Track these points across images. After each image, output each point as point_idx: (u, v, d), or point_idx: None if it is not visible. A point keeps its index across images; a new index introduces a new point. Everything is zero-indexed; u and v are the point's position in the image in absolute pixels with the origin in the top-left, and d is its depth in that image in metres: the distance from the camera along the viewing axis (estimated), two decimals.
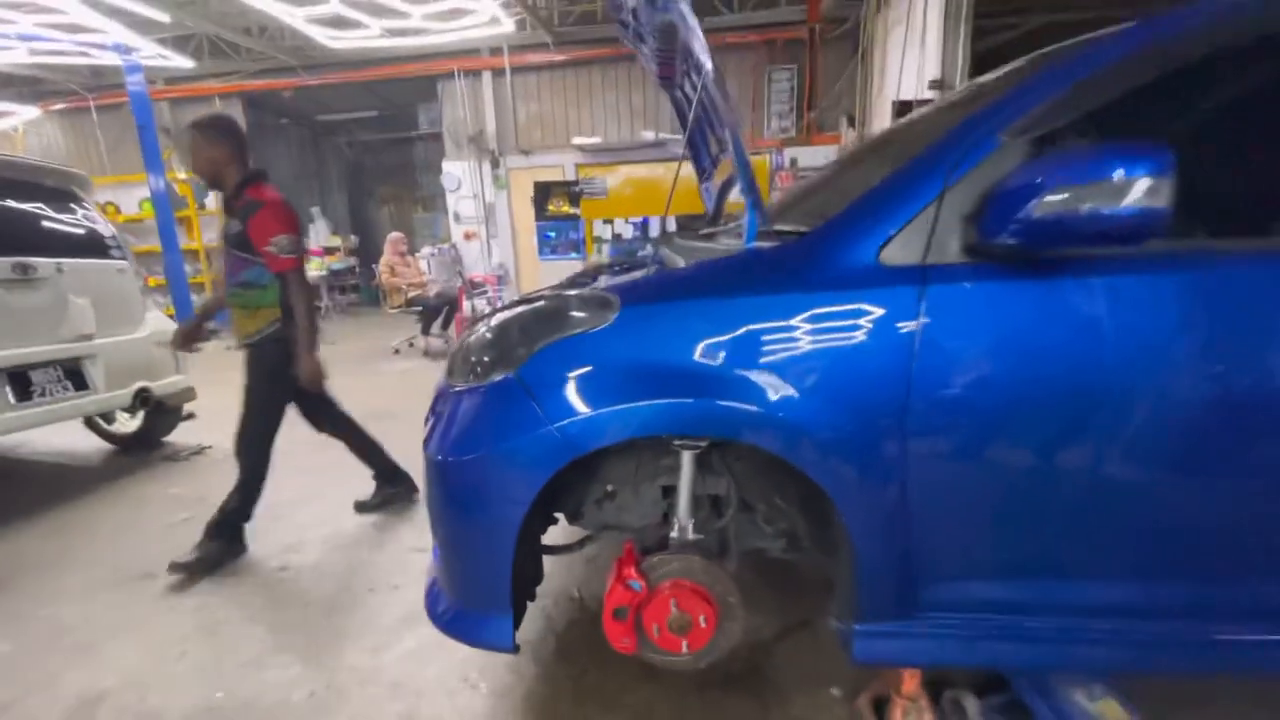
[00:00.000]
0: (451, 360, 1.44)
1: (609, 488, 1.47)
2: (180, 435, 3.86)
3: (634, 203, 6.07)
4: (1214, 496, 1.09)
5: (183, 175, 9.09)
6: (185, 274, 7.93)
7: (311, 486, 3.03)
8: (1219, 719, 1.44)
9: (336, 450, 3.56)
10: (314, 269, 9.70)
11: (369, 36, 7.55)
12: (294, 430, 2.65)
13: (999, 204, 1.03)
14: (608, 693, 1.61)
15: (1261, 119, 1.21)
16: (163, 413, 3.65)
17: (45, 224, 3.03)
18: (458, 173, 9.57)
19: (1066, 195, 0.94)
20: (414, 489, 2.83)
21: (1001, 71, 1.52)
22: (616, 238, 7.77)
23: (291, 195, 10.35)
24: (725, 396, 1.11)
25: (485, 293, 5.95)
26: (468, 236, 9.78)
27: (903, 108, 4.80)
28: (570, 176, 9.15)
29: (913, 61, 5.51)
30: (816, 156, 8.41)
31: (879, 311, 1.09)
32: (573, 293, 1.30)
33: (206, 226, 9.79)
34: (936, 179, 1.11)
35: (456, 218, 9.77)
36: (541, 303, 1.28)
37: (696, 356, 1.13)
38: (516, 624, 1.27)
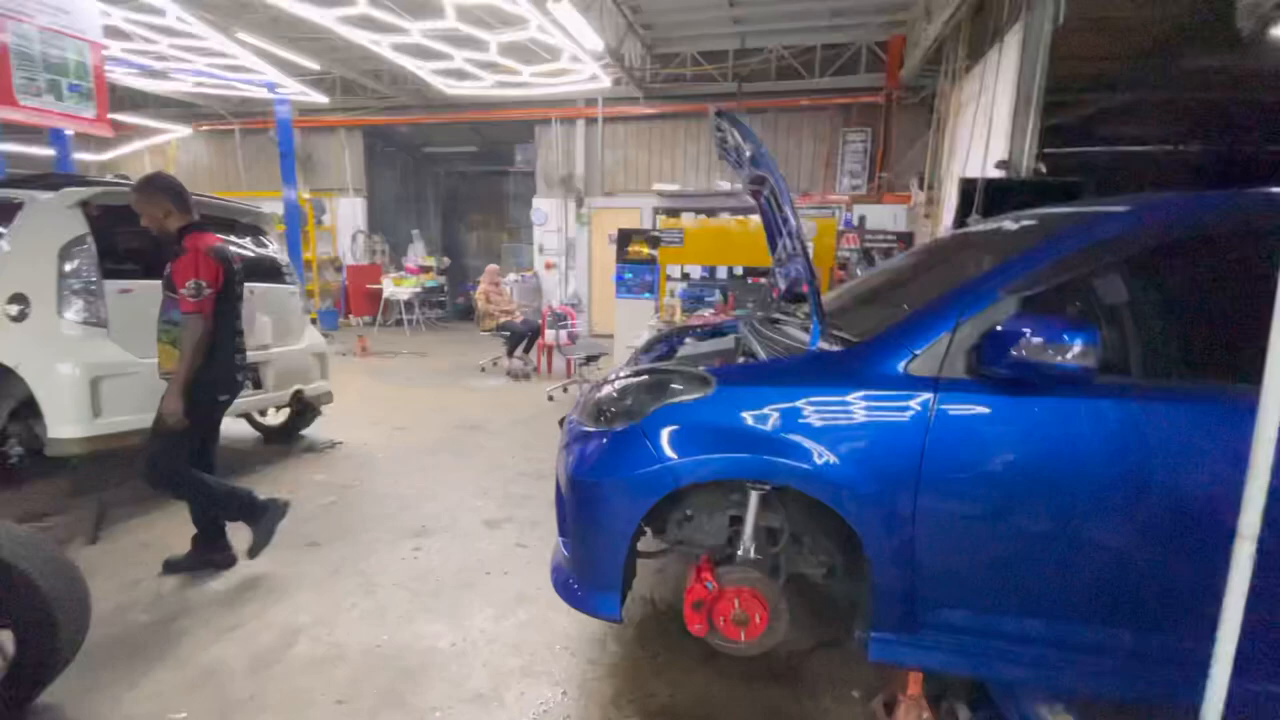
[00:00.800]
0: (586, 407, 1.98)
1: (688, 512, 1.96)
2: (313, 430, 4.60)
3: (705, 253, 6.62)
4: (1139, 567, 1.48)
5: (307, 195, 10.27)
6: (304, 280, 9.01)
7: (427, 484, 3.65)
8: None
9: (449, 454, 4.23)
10: (410, 285, 10.70)
11: (481, 86, 8.48)
12: (408, 436, 3.26)
13: (992, 344, 1.48)
14: (675, 671, 2.08)
15: (1205, 299, 1.61)
16: (306, 411, 4.39)
17: (246, 254, 3.82)
18: (546, 208, 10.43)
19: (1033, 346, 1.39)
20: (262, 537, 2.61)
21: (1032, 220, 1.96)
22: (685, 277, 8.36)
23: (392, 216, 11.67)
24: (789, 456, 1.59)
25: (566, 324, 6.59)
26: (548, 266, 10.60)
27: (967, 185, 5.14)
28: (648, 217, 9.83)
29: (981, 140, 5.85)
30: (885, 215, 8.77)
31: (904, 407, 1.55)
32: (681, 369, 1.81)
33: (319, 240, 10.99)
34: (951, 317, 1.58)
35: (540, 249, 10.61)
36: (659, 375, 1.81)
37: (769, 426, 1.62)
38: (622, 601, 1.77)
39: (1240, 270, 1.55)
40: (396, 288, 10.67)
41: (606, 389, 2.00)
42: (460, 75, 8.19)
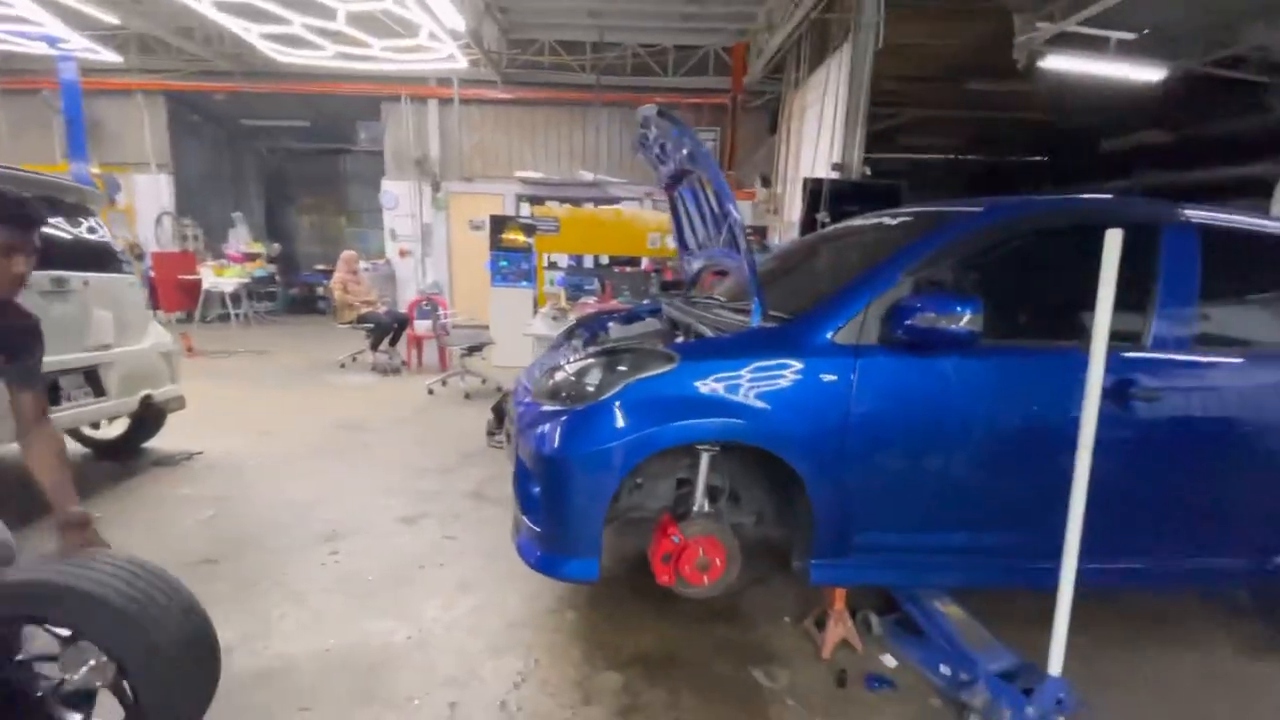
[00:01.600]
0: (544, 390, 2.08)
1: (639, 481, 2.15)
2: (158, 442, 4.02)
3: (580, 241, 6.77)
4: (1013, 485, 1.97)
5: (96, 170, 8.63)
6: None
7: (320, 489, 3.41)
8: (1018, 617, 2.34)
9: (333, 457, 3.99)
10: (235, 275, 9.48)
11: (321, 57, 7.73)
12: (278, 441, 3.06)
13: (896, 317, 1.85)
14: (632, 626, 2.26)
15: (1044, 277, 2.14)
16: (150, 420, 3.83)
17: (69, 239, 3.24)
18: (397, 192, 9.82)
19: (928, 317, 1.78)
20: None
21: (908, 217, 2.40)
22: (553, 265, 8.47)
23: (203, 196, 10.36)
24: (747, 417, 1.84)
25: (439, 314, 6.32)
26: (403, 254, 10.01)
27: (815, 185, 5.85)
28: (511, 204, 9.69)
29: (818, 144, 6.66)
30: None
31: (834, 369, 1.88)
32: (647, 347, 1.99)
33: (112, 223, 9.29)
34: (864, 297, 1.93)
35: (393, 234, 9.98)
36: (628, 354, 1.96)
37: (728, 393, 1.86)
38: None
39: (1066, 254, 2.08)
40: (219, 278, 9.38)
41: (562, 373, 2.11)
42: (296, 42, 7.39)
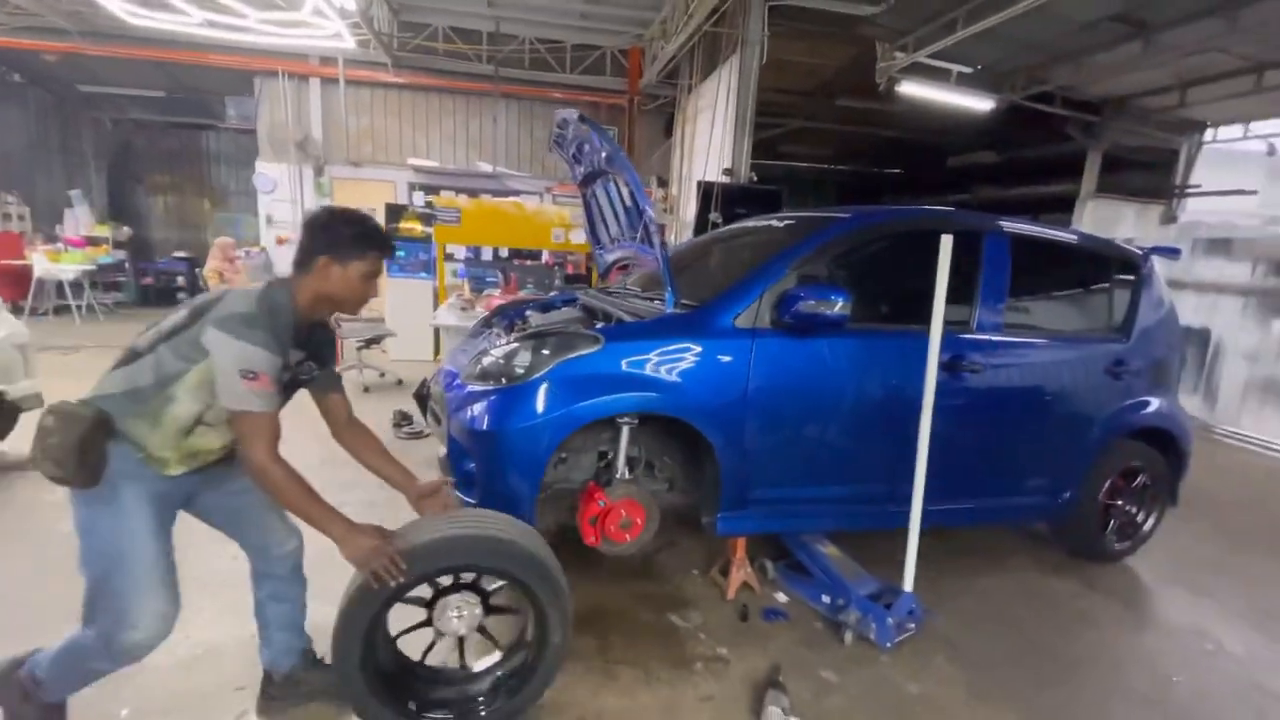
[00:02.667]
0: (475, 373, 2.23)
1: (563, 455, 2.36)
2: (10, 445, 3.62)
3: (482, 233, 6.74)
4: (873, 444, 2.40)
5: None
6: None
7: None
8: (880, 551, 2.81)
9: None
10: (76, 262, 8.40)
11: (184, 23, 7.09)
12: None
13: (784, 304, 2.21)
14: None
15: (897, 272, 2.60)
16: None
17: None
18: (273, 174, 9.16)
19: (809, 304, 2.14)
20: None
21: (791, 220, 2.78)
22: (449, 257, 8.36)
23: (27, 169, 9.26)
24: (665, 391, 2.12)
25: None
26: (281, 241, 9.36)
27: (708, 187, 6.29)
28: (404, 193, 9.37)
29: (710, 149, 7.12)
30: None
31: (735, 349, 2.20)
32: (573, 330, 2.19)
33: None
34: (758, 287, 2.27)
35: (269, 220, 9.32)
36: (558, 336, 2.16)
37: (649, 370, 2.12)
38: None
39: (914, 254, 2.54)
40: (54, 264, 8.25)
41: (491, 357, 2.26)
42: (154, 3, 6.72)
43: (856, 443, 2.40)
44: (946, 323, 2.17)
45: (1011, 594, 2.73)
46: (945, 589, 2.64)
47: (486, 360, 2.27)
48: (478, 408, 2.12)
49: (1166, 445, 3.04)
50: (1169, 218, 8.39)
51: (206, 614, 2.21)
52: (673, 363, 2.15)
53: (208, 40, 8.10)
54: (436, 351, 6.67)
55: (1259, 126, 7.26)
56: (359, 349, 5.64)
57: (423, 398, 2.85)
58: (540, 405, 2.04)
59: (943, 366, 2.46)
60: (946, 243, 2.07)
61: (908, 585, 2.21)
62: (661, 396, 2.12)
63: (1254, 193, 7.84)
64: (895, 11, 5.84)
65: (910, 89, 6.92)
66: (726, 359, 2.20)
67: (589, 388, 2.08)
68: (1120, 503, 3.03)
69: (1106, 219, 8.12)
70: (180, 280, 9.72)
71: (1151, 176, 8.40)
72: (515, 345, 2.22)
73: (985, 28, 5.26)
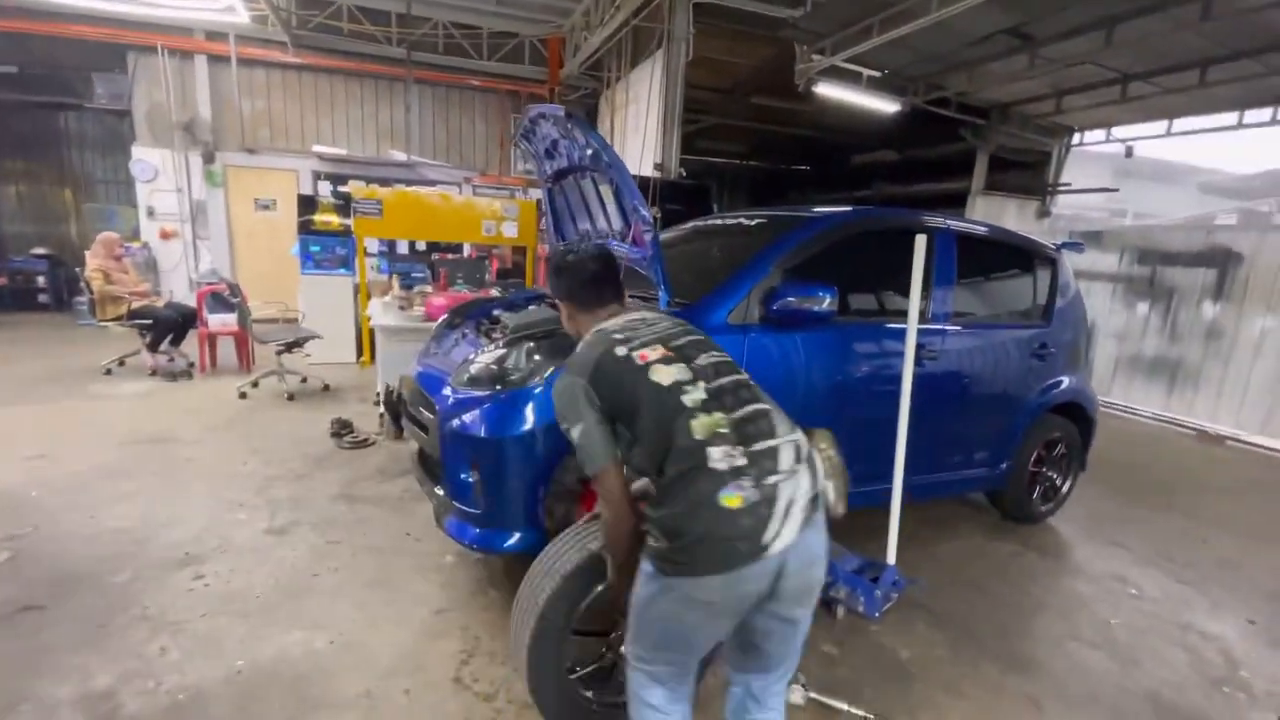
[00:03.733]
0: (464, 380, 2.16)
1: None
2: None
3: (406, 226, 6.37)
4: (858, 427, 2.55)
5: None
6: None
7: (148, 512, 2.95)
8: (857, 530, 2.99)
9: (147, 475, 3.52)
10: None
11: None
12: (59, 464, 2.69)
13: (772, 300, 2.30)
14: None
15: (868, 268, 2.75)
16: None
17: None
18: (154, 161, 8.22)
19: (797, 300, 2.24)
20: None
21: (763, 219, 2.87)
22: (382, 253, 7.91)
23: None
24: None
25: (236, 304, 5.52)
26: (165, 235, 8.44)
27: (642, 182, 6.30)
28: (307, 182, 8.70)
29: (645, 143, 7.16)
30: None
31: (729, 346, 2.26)
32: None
33: None
34: (746, 285, 2.35)
35: (151, 213, 8.35)
36: (554, 340, 2.12)
37: None
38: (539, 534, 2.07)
39: (884, 250, 2.71)
40: None
41: (477, 365, 2.20)
42: None
43: (838, 427, 2.54)
44: (901, 314, 2.35)
45: (965, 557, 3.00)
46: (910, 559, 2.85)
47: (475, 368, 2.20)
48: (474, 416, 2.05)
49: (1079, 417, 3.45)
50: (1043, 213, 9.40)
51: (176, 655, 1.99)
52: None
53: (70, 8, 7.11)
54: (363, 354, 6.29)
55: (1119, 131, 8.27)
56: (279, 353, 5.20)
57: (393, 405, 2.70)
58: (541, 413, 2.00)
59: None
60: (922, 241, 2.23)
61: (891, 558, 2.38)
62: None
63: (1116, 190, 8.94)
64: (814, 16, 6.12)
65: (826, 90, 7.29)
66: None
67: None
68: (1044, 470, 3.41)
69: (993, 214, 8.97)
70: (41, 281, 8.52)
71: (1029, 175, 9.37)
72: (506, 350, 2.16)
73: (897, 36, 5.64)
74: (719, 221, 3.20)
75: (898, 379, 2.46)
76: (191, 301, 6.48)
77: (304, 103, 8.82)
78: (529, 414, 2.00)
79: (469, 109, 9.50)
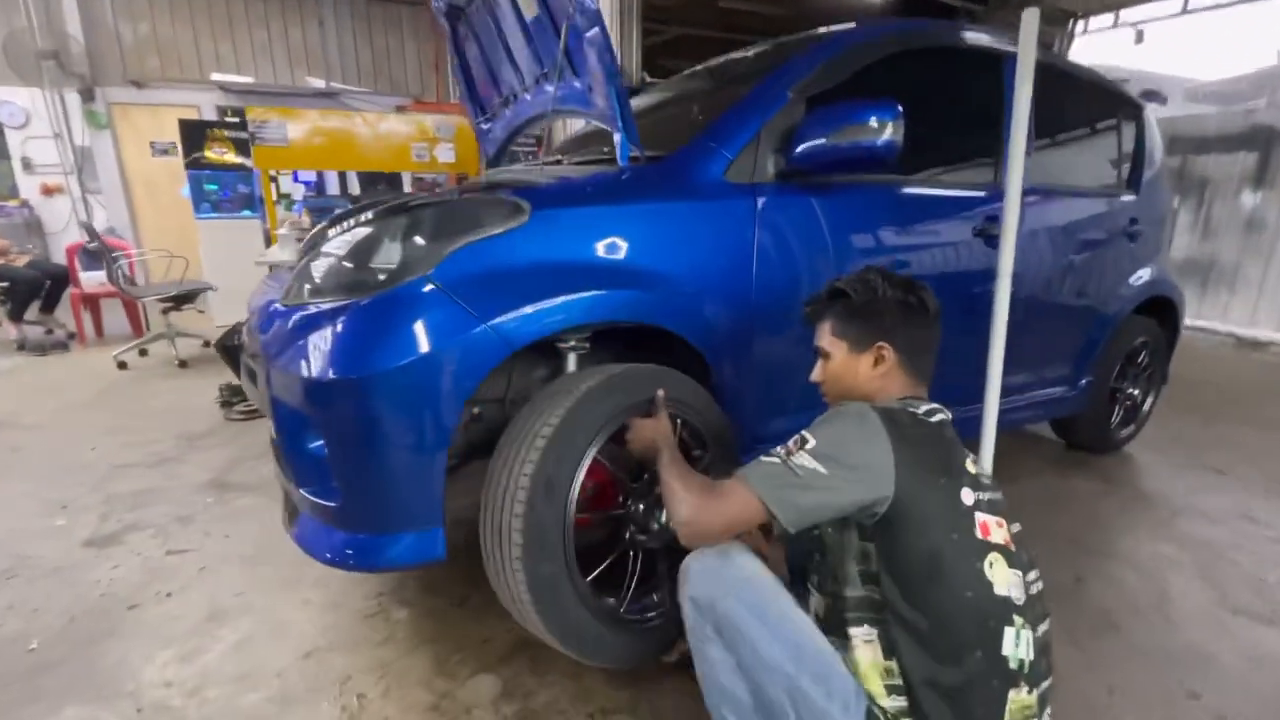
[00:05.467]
0: (301, 285, 1.30)
1: (475, 410, 1.51)
2: None
3: (320, 155, 5.32)
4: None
5: None
6: None
7: None
8: None
9: None
10: None
11: None
12: None
13: (796, 141, 1.46)
14: (496, 605, 1.66)
15: (923, 108, 1.92)
16: None
17: None
18: (23, 103, 6.92)
19: (838, 132, 1.41)
20: None
21: (766, 46, 2.00)
22: (309, 197, 6.79)
23: None
24: (631, 285, 1.31)
25: (117, 260, 4.51)
26: (48, 191, 7.21)
27: None
28: (212, 117, 7.45)
29: None
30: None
31: (730, 218, 1.44)
32: (477, 198, 1.31)
33: None
34: (754, 120, 1.50)
35: (27, 165, 7.10)
36: (447, 207, 1.26)
37: (602, 255, 1.30)
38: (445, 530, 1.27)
39: (946, 83, 1.89)
40: None
41: (328, 256, 1.33)
42: None
43: None
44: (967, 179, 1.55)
45: (1045, 505, 2.30)
46: None
47: (322, 261, 1.34)
48: (316, 343, 1.20)
49: (1165, 316, 2.72)
50: None
51: None
52: (639, 241, 1.34)
53: None
54: None
55: (1129, 13, 7.39)
56: (165, 312, 4.23)
57: (232, 349, 1.84)
58: (433, 327, 1.16)
59: (975, 233, 1.86)
60: (1027, 67, 1.39)
61: None
62: (626, 296, 1.32)
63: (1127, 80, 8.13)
64: None
65: None
66: (721, 231, 1.43)
67: (514, 289, 1.22)
68: (1124, 385, 2.70)
69: None
70: None
71: None
72: (370, 229, 1.30)
73: None
74: (702, 67, 2.31)
75: (969, 270, 1.70)
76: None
77: (197, 24, 7.48)
78: (416, 331, 1.16)
79: (395, 26, 8.22)
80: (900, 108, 1.38)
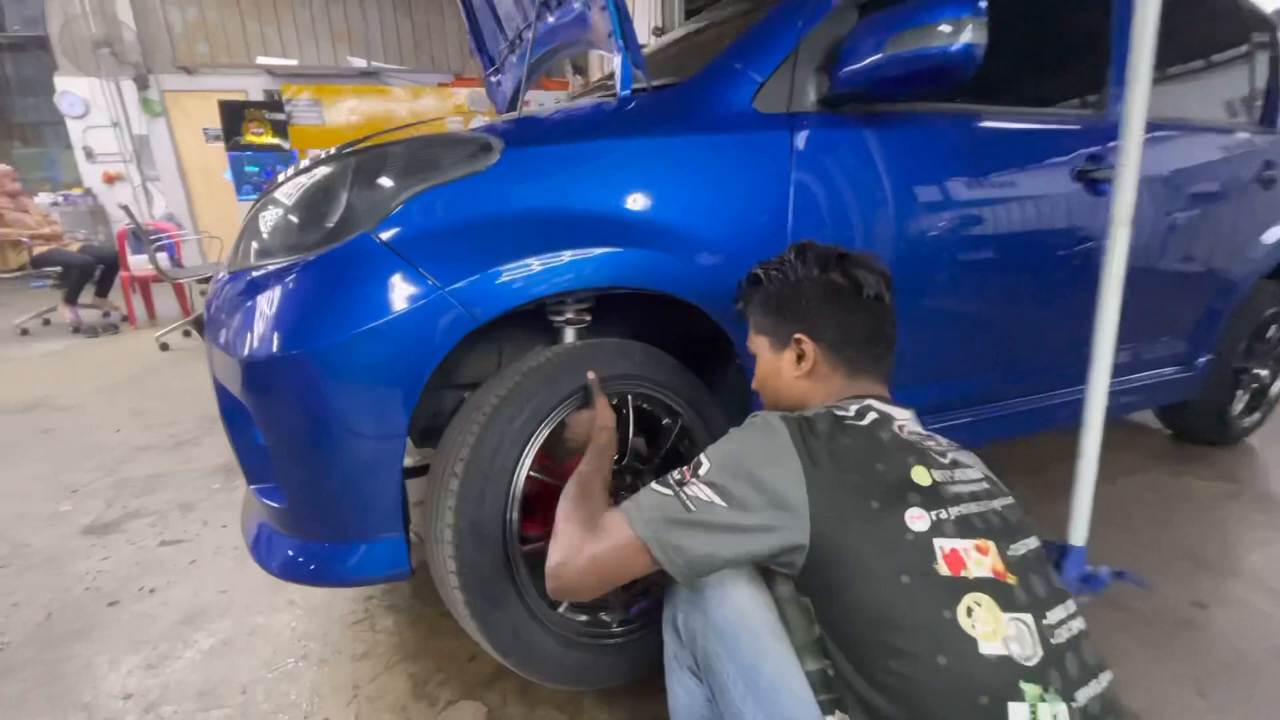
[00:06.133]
0: (271, 236, 1.09)
1: (465, 396, 1.29)
2: None
3: (360, 132, 5.22)
4: (1011, 307, 1.45)
5: None
6: None
7: None
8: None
9: None
10: None
11: None
12: None
13: (848, 55, 1.15)
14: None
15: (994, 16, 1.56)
16: None
17: None
18: (82, 93, 7.16)
19: (899, 40, 1.09)
20: None
21: None
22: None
23: None
24: (629, 241, 1.05)
25: (163, 242, 4.58)
26: (109, 179, 7.47)
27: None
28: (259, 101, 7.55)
29: (640, 9, 5.80)
30: (547, 100, 8.38)
31: (760, 153, 1.15)
32: (438, 136, 1.07)
33: None
34: (790, 32, 1.20)
35: (89, 154, 7.37)
36: (404, 147, 1.03)
37: (594, 203, 1.05)
38: (409, 541, 1.06)
39: None
40: None
41: (273, 208, 1.12)
42: None
43: (980, 308, 1.44)
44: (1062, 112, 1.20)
45: (1149, 507, 1.92)
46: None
47: (269, 213, 1.13)
48: (245, 315, 1.00)
49: None
50: None
51: None
52: (639, 185, 1.07)
53: None
54: None
55: None
56: (204, 293, 4.24)
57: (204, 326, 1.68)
58: (377, 294, 0.94)
59: (1075, 176, 1.51)
60: None
61: (1078, 536, 1.30)
62: (621, 256, 1.05)
63: None
64: None
65: None
66: (745, 173, 1.15)
67: (480, 247, 0.99)
68: (1249, 365, 2.25)
69: None
70: None
71: None
72: (319, 173, 1.08)
73: None
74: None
75: (1064, 224, 1.37)
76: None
77: (243, 10, 7.55)
78: (355, 299, 0.94)
79: (435, 3, 8.07)
80: (983, 2, 1.05)
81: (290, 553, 1.06)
